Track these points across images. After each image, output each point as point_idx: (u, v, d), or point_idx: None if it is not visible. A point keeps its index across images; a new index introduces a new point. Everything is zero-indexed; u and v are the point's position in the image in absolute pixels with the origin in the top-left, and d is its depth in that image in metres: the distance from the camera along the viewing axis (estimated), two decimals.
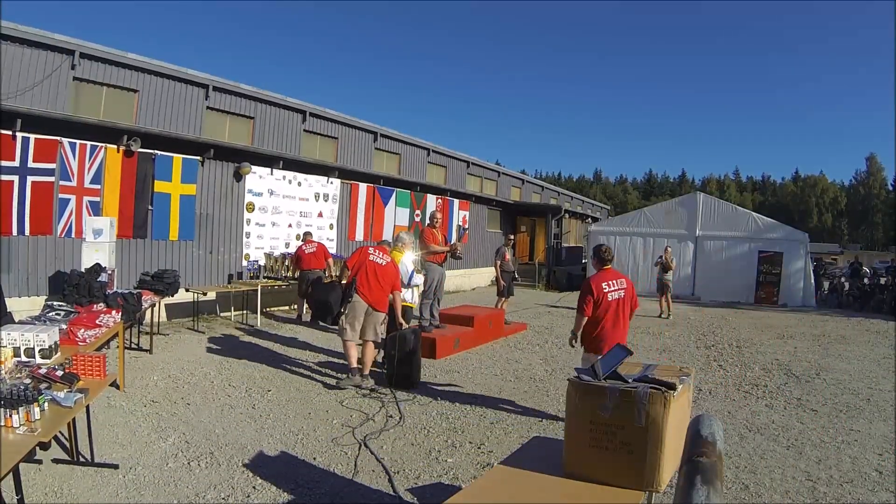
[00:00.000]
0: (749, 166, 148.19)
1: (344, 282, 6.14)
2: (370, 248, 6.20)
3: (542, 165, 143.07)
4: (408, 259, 6.85)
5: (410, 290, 6.78)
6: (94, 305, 5.45)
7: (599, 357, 3.85)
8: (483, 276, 17.64)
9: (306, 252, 9.66)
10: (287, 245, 11.24)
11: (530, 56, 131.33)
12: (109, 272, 7.19)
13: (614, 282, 4.75)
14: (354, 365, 5.92)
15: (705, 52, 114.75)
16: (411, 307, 6.91)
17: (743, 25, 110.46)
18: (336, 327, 6.23)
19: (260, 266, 10.46)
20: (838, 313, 14.69)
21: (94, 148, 8.25)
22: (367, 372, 5.99)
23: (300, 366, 6.77)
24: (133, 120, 9.46)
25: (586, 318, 4.70)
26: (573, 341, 4.96)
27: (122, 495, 3.40)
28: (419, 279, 6.86)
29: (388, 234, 14.01)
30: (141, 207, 8.86)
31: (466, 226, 17.05)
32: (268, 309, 10.53)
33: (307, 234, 10.54)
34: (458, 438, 4.59)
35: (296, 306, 11.15)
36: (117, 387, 5.25)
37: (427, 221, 8.75)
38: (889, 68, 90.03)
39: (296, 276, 9.93)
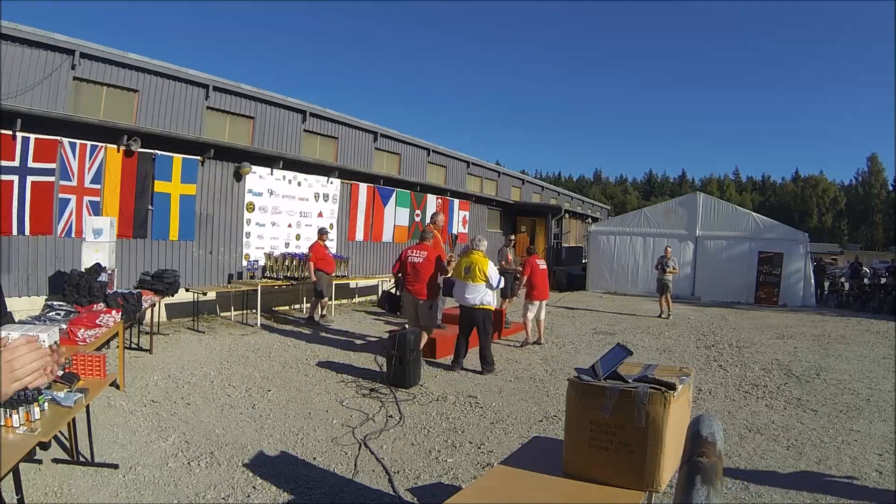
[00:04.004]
0: (749, 166, 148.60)
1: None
2: (409, 249, 7.09)
3: (542, 165, 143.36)
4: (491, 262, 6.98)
5: (493, 293, 6.87)
6: (94, 305, 5.45)
7: (535, 301, 8.51)
8: None
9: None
10: (287, 245, 11.24)
11: (531, 56, 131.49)
12: (109, 272, 7.18)
13: (542, 261, 8.84)
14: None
15: (705, 51, 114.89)
16: (491, 310, 6.93)
17: (743, 25, 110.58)
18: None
19: (261, 266, 10.46)
20: (838, 313, 14.70)
21: (94, 148, 8.25)
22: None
23: (300, 366, 6.76)
24: (133, 120, 9.45)
25: (526, 277, 8.53)
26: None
27: (122, 495, 3.40)
28: (502, 282, 7.06)
29: (388, 235, 14.01)
30: (141, 207, 8.86)
31: (466, 228, 17.07)
32: (273, 308, 10.53)
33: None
34: (458, 438, 4.59)
35: (297, 306, 11.18)
36: (117, 387, 5.25)
37: (429, 220, 8.80)
38: (889, 68, 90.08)
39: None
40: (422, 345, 6.74)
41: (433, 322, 7.04)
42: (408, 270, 6.90)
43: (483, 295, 6.73)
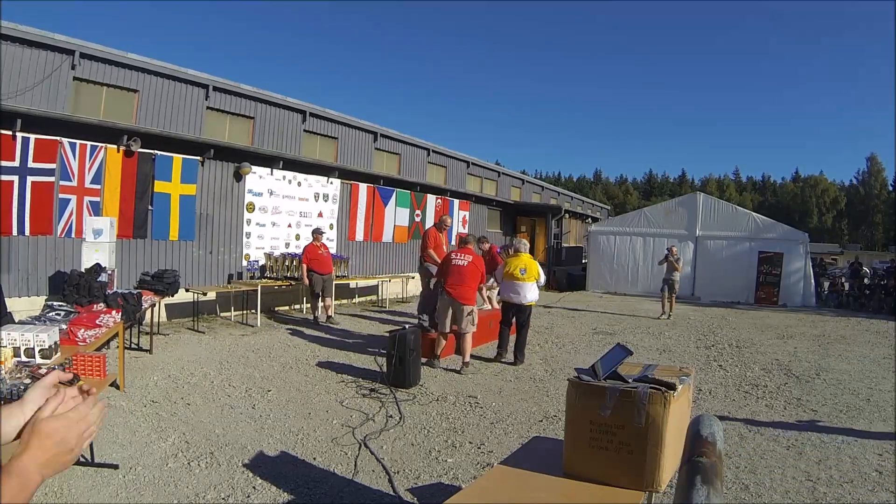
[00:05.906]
0: (749, 166, 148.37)
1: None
2: (452, 253, 7.07)
3: (542, 165, 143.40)
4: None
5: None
6: (94, 305, 5.45)
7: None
8: None
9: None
10: (287, 245, 11.24)
11: (530, 56, 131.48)
12: (109, 272, 7.19)
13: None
14: (438, 352, 6.98)
15: (705, 52, 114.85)
16: (531, 306, 7.47)
17: (742, 25, 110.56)
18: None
19: (262, 266, 10.46)
20: (838, 313, 14.70)
21: (94, 148, 8.25)
22: (467, 359, 6.86)
23: (300, 366, 6.76)
24: (133, 120, 9.46)
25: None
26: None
27: (122, 495, 3.40)
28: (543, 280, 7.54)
29: (388, 235, 14.01)
30: (141, 207, 8.86)
31: (466, 228, 17.07)
32: (273, 309, 10.52)
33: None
34: (458, 438, 4.59)
35: (297, 306, 11.17)
36: (117, 387, 5.25)
37: (434, 223, 8.78)
38: (889, 68, 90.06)
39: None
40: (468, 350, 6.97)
41: (470, 327, 6.87)
42: (451, 273, 6.85)
43: (535, 292, 7.36)
